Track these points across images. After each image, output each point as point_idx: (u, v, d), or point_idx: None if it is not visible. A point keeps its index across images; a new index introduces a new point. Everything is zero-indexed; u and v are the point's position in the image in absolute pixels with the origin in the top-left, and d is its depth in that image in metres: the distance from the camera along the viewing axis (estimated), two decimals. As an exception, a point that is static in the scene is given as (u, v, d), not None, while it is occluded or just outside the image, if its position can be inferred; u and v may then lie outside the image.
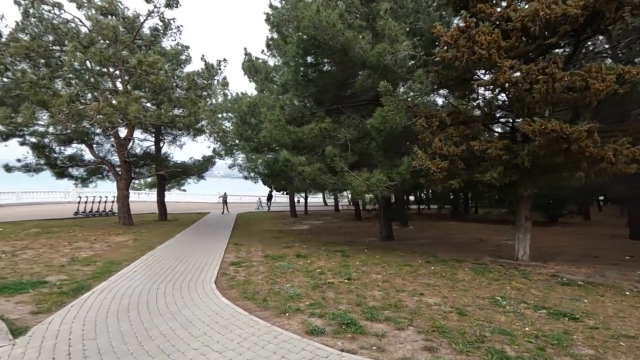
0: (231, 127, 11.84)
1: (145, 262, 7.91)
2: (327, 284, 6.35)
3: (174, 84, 13.03)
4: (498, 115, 8.08)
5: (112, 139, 15.38)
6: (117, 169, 15.42)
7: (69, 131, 13.73)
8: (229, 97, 12.16)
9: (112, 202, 21.49)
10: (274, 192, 31.88)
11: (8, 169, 15.05)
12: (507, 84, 6.22)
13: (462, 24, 6.80)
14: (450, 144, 7.23)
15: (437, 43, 8.04)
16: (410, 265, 8.18)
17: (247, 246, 10.74)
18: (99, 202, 20.66)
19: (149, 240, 11.44)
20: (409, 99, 7.32)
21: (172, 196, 34.50)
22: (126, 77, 13.69)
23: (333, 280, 6.67)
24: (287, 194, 31.06)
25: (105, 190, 26.84)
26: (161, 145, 18.65)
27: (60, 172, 15.88)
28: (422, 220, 22.39)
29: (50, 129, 13.79)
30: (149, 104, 14.27)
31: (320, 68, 9.16)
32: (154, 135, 18.43)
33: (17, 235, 11.32)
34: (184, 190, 39.34)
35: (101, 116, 10.49)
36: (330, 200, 45.59)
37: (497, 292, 6.02)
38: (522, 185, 7.17)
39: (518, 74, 6.46)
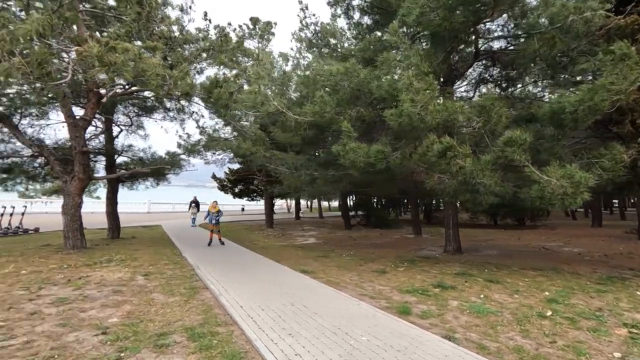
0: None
1: (305, 337, 4.28)
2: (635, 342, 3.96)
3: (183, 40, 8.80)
4: None
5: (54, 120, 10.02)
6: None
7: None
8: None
9: (22, 214, 14.96)
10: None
11: None
12: None
13: None
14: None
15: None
16: (601, 290, 6.29)
17: (332, 276, 7.52)
18: (2, 214, 13.96)
19: (164, 273, 7.24)
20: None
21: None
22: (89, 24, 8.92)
23: (620, 332, 4.31)
24: (250, 201, 26.90)
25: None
26: (114, 133, 13.30)
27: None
28: (371, 228, 21.10)
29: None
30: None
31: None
32: (102, 116, 13.01)
33: None
34: (98, 198, 31.77)
35: (98, 67, 6.04)
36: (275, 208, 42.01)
37: None
38: None
39: None
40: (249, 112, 8.56)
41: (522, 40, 7.14)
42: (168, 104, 11.95)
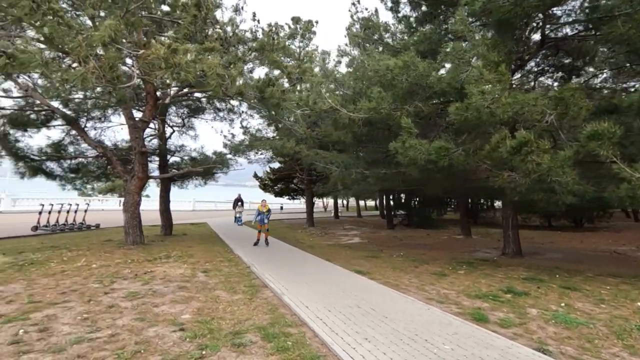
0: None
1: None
2: None
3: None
4: None
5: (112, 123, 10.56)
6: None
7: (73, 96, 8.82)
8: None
9: (85, 211, 16.01)
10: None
11: (-56, 160, 9.37)
12: None
13: None
14: None
15: None
16: None
17: (389, 277, 7.28)
18: (68, 211, 15.03)
19: (221, 271, 7.35)
20: None
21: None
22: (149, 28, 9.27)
23: None
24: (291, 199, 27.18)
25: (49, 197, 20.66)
26: (166, 133, 13.83)
27: (34, 169, 10.46)
28: (414, 228, 20.27)
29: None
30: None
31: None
32: (156, 118, 13.55)
33: (-13, 273, 6.47)
34: (147, 197, 33.47)
35: (162, 70, 6.24)
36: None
37: None
38: None
39: None
40: (297, 110, 8.48)
41: (600, 24, 6.44)
42: (218, 105, 12.26)
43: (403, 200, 23.53)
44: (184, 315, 4.54)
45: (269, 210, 11.33)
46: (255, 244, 11.32)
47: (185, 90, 10.59)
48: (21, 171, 10.36)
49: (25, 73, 7.91)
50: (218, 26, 7.89)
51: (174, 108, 13.07)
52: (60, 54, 7.73)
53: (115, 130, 17.38)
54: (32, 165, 10.34)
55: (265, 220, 11.14)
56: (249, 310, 4.84)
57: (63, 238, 12.71)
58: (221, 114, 12.99)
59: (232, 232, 15.78)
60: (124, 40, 7.18)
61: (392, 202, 22.29)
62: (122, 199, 28.69)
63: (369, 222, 25.48)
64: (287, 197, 26.18)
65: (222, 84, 6.91)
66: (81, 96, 10.56)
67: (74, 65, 7.15)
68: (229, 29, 8.39)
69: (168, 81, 6.80)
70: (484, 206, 27.69)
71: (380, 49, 9.61)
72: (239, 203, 19.44)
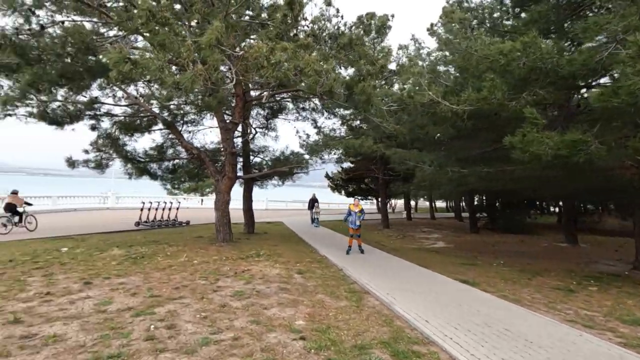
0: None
1: None
2: None
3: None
4: None
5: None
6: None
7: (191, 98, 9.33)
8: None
9: (177, 208, 17.34)
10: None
11: (71, 163, 10.76)
12: None
13: None
14: None
15: None
16: None
17: (504, 290, 6.41)
18: (163, 209, 16.40)
19: (315, 272, 7.14)
20: None
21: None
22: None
23: None
24: (364, 199, 26.75)
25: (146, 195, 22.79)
26: (249, 134, 14.29)
27: (141, 169, 11.54)
28: (500, 232, 17.94)
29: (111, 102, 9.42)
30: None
31: None
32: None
33: (106, 264, 7.08)
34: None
35: (269, 71, 6.23)
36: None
37: None
38: None
39: None
40: (384, 107, 7.97)
41: None
42: (302, 104, 12.29)
43: (480, 202, 21.59)
44: (298, 321, 4.32)
45: (361, 211, 9.76)
46: (347, 252, 9.66)
47: (278, 89, 10.69)
48: (129, 172, 11.48)
49: (143, 79, 8.57)
50: (309, 22, 7.72)
51: (257, 109, 13.43)
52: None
53: (204, 133, 18.48)
54: (138, 167, 11.37)
55: (358, 222, 9.61)
56: (362, 321, 4.48)
57: (160, 233, 13.81)
58: (304, 113, 13.04)
59: (310, 232, 15.79)
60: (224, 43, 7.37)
61: (473, 204, 20.54)
62: (203, 199, 30.50)
63: (446, 225, 23.91)
64: (359, 197, 25.68)
65: (318, 81, 6.70)
66: (177, 102, 11.29)
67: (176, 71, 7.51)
68: (320, 24, 8.21)
69: (267, 80, 6.76)
70: (589, 210, 24.22)
71: (469, 32, 8.66)
72: (315, 203, 19.15)
